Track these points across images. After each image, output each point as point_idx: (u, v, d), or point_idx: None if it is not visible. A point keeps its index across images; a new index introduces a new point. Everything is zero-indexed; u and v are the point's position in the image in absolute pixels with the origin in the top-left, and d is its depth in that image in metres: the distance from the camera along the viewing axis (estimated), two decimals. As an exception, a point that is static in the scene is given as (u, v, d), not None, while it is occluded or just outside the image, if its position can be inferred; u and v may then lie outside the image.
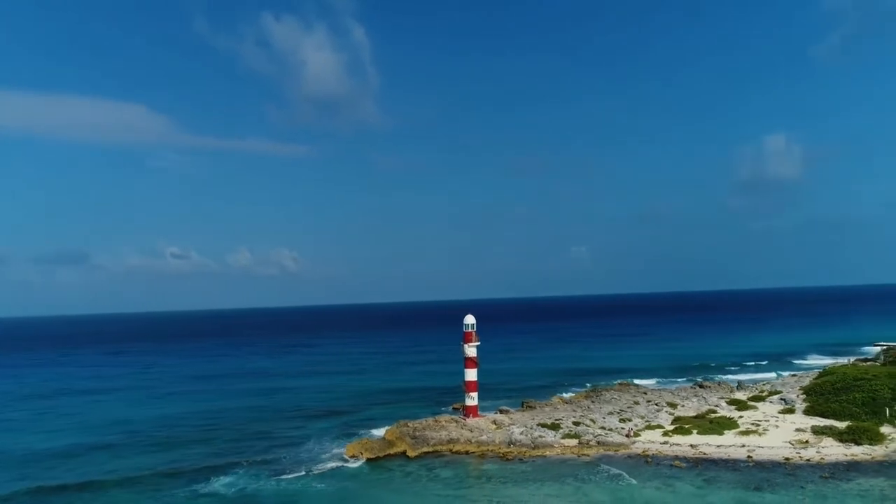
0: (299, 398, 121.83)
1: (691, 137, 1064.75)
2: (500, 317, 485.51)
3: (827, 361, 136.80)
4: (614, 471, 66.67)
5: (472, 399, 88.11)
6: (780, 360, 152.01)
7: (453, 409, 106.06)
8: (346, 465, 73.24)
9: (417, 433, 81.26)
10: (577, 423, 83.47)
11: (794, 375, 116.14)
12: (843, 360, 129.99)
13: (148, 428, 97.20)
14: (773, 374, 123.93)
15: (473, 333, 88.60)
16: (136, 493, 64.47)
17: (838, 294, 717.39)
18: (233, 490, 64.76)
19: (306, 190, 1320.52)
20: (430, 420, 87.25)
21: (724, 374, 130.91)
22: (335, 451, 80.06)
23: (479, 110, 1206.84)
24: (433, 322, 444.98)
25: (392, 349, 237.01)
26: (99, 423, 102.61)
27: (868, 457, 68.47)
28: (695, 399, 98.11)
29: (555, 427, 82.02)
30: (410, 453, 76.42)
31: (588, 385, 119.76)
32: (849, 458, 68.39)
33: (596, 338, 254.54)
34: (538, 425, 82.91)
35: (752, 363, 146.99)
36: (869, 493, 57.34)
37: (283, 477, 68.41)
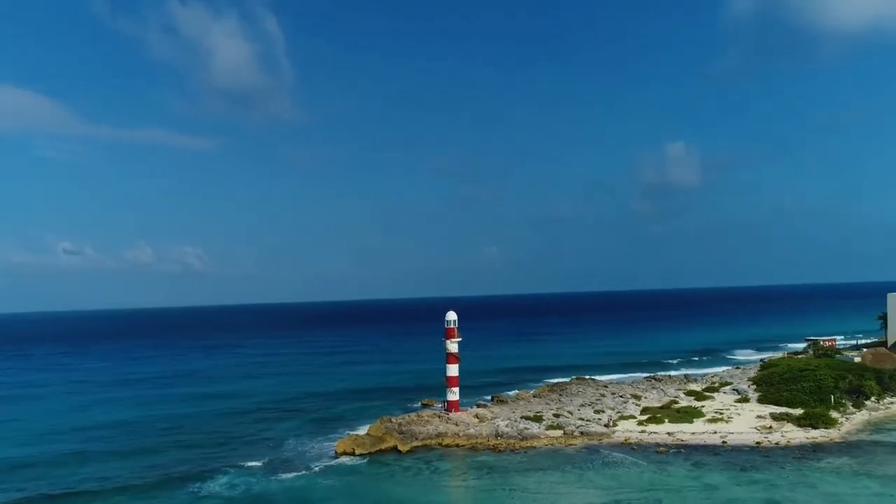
0: (256, 399, 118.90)
1: (598, 143, 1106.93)
2: (422, 316, 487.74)
3: (757, 356, 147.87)
4: (608, 458, 70.28)
5: (454, 394, 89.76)
6: (712, 354, 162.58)
7: (422, 405, 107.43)
8: (343, 461, 73.17)
9: (404, 428, 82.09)
10: (556, 415, 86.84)
11: (738, 368, 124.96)
12: (772, 354, 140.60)
13: (112, 435, 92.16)
14: (716, 369, 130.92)
15: (455, 330, 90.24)
16: (137, 500, 62.02)
17: (733, 294, 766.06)
18: (237, 491, 63.33)
19: (214, 185, 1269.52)
20: (414, 416, 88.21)
21: (667, 369, 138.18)
22: (321, 448, 79.70)
23: (398, 108, 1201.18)
24: (357, 322, 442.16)
25: (328, 348, 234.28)
26: (54, 431, 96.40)
27: (827, 439, 75.43)
28: (654, 391, 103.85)
29: (538, 419, 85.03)
30: (401, 448, 77.18)
31: (543, 382, 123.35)
32: (811, 440, 75.08)
33: (527, 336, 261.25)
34: (522, 418, 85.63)
35: (696, 358, 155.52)
36: (842, 470, 63.47)
37: (285, 476, 67.47)
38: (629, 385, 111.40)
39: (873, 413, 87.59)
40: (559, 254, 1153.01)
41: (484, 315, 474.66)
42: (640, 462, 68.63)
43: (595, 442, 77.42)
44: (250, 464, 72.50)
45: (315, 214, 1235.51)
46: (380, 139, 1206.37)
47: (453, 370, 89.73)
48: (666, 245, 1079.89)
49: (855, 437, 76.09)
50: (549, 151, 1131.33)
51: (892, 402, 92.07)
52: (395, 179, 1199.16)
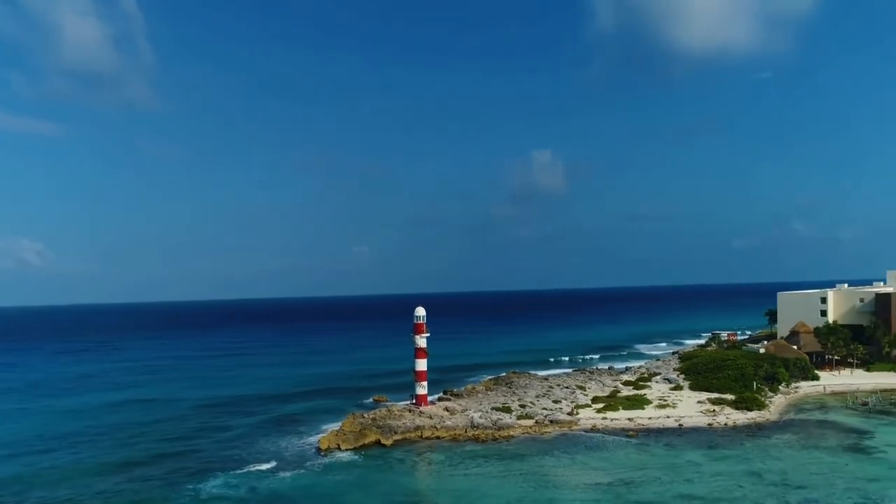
0: (187, 403, 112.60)
1: (466, 148, 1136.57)
2: (296, 317, 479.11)
3: (659, 350, 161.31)
4: (588, 443, 75.62)
5: (423, 388, 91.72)
6: (617, 349, 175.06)
7: (374, 401, 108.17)
8: (340, 456, 73.00)
9: (380, 423, 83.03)
10: (522, 406, 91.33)
11: (658, 360, 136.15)
12: (679, 347, 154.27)
13: (67, 444, 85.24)
14: (637, 363, 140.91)
15: (424, 325, 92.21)
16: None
17: (596, 295, 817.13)
18: (241, 490, 61.82)
19: (58, 174, 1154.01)
20: (385, 410, 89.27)
21: (588, 363, 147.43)
22: (299, 447, 78.91)
23: (266, 102, 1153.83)
24: (238, 321, 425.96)
25: (227, 349, 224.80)
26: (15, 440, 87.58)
27: (764, 419, 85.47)
28: (593, 383, 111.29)
29: (507, 410, 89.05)
30: (384, 442, 78.18)
31: (478, 377, 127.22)
32: (751, 421, 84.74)
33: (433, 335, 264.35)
34: (492, 409, 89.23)
35: (610, 354, 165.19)
36: (792, 444, 72.78)
37: (285, 474, 66.46)
38: (569, 377, 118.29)
39: (787, 396, 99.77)
40: (428, 254, 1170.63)
41: (366, 315, 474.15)
42: (619, 444, 74.55)
43: (566, 429, 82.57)
44: (239, 464, 70.55)
45: (172, 209, 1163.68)
46: (242, 131, 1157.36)
47: (422, 365, 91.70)
48: (532, 248, 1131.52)
49: (786, 417, 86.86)
50: (418, 153, 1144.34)
51: (798, 386, 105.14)
52: (255, 174, 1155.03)
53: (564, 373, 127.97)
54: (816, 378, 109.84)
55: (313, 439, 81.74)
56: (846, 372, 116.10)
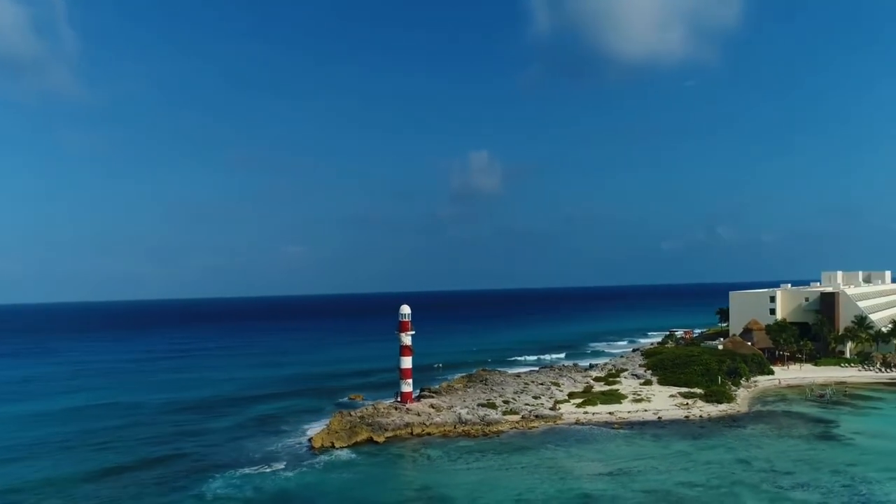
0: (157, 406, 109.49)
1: (409, 148, 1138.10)
2: (233, 317, 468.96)
3: (618, 349, 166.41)
4: (579, 435, 78.09)
5: (409, 385, 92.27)
6: (577, 347, 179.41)
7: (349, 399, 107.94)
8: (339, 454, 72.77)
9: (369, 420, 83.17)
10: (506, 402, 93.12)
11: (622, 357, 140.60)
12: (638, 345, 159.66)
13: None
14: (601, 360, 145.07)
15: (409, 323, 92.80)
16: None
17: (533, 295, 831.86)
18: (247, 491, 60.92)
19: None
20: (370, 408, 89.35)
21: (554, 361, 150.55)
22: (290, 446, 78.23)
23: (199, 95, 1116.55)
24: (167, 322, 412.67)
25: (173, 350, 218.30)
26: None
27: (736, 411, 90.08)
28: (565, 379, 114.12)
29: (492, 406, 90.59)
30: (377, 439, 78.43)
31: (446, 377, 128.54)
32: (724, 413, 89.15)
33: (369, 335, 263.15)
34: (478, 405, 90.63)
35: (574, 351, 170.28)
36: (768, 434, 77.24)
37: (289, 473, 65.74)
38: (539, 374, 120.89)
39: (749, 389, 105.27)
40: (372, 254, 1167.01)
41: (310, 316, 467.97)
42: (607, 437, 77.29)
43: (552, 424, 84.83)
44: (247, 467, 68.89)
45: (95, 204, 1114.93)
46: (172, 125, 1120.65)
47: (407, 362, 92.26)
48: (475, 248, 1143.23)
49: (754, 409, 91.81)
50: (360, 152, 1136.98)
51: (756, 381, 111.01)
52: (188, 170, 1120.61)
53: (533, 370, 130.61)
54: (771, 373, 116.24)
55: (302, 438, 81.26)
56: (795, 367, 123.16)
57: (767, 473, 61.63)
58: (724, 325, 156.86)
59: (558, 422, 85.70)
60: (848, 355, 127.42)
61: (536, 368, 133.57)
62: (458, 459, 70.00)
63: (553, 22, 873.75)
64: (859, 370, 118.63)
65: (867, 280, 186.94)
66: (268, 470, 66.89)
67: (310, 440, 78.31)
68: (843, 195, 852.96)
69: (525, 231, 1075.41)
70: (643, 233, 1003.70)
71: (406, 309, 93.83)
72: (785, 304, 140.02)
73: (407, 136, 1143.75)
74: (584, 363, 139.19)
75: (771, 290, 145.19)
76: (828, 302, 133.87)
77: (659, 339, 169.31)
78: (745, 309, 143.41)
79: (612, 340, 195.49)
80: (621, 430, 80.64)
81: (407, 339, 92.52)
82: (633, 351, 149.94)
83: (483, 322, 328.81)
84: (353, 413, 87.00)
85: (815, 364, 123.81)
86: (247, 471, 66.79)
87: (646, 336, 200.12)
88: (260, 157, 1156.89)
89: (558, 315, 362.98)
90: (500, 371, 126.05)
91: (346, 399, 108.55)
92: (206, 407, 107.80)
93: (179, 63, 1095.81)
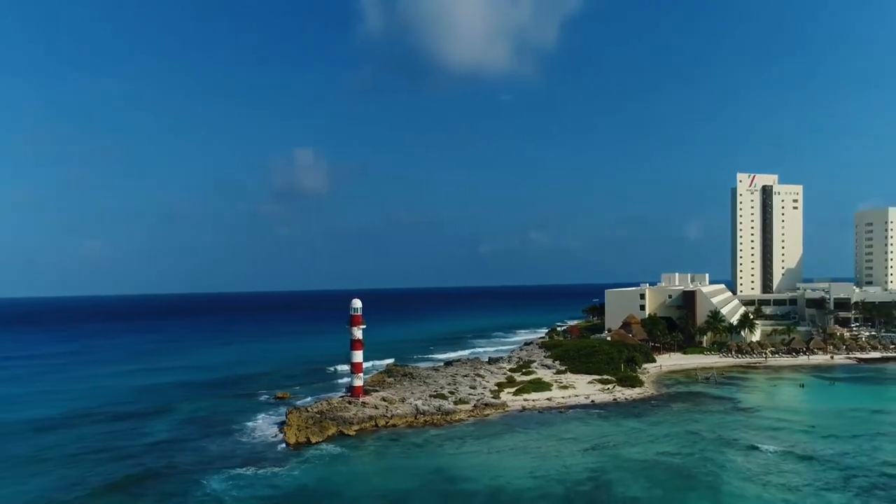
0: (70, 416, 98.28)
1: (229, 140, 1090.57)
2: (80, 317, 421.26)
3: (505, 345, 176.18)
4: (538, 419, 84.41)
5: (360, 380, 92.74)
6: (457, 342, 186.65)
7: (276, 398, 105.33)
8: (325, 448, 72.17)
9: (333, 415, 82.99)
10: (452, 392, 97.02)
11: (521, 350, 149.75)
12: (524, 339, 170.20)
13: None
14: (492, 355, 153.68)
15: (360, 317, 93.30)
16: None
17: (373, 297, 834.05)
18: (259, 490, 59.30)
19: None
20: (324, 403, 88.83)
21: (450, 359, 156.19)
22: (262, 443, 76.23)
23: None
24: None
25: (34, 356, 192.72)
26: None
27: (649, 393, 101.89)
28: (484, 371, 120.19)
29: (443, 396, 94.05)
30: (348, 432, 78.94)
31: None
32: (641, 395, 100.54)
33: (257, 336, 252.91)
34: (430, 396, 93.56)
35: (454, 348, 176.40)
36: (692, 410, 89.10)
37: (277, 469, 64.42)
38: (459, 367, 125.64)
39: (644, 375, 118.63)
40: (183, 251, 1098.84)
41: (121, 317, 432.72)
42: (563, 419, 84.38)
43: (503, 411, 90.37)
44: (229, 469, 66.17)
45: None
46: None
47: (358, 356, 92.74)
48: (299, 248, 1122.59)
49: (663, 391, 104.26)
50: (171, 140, 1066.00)
51: (646, 367, 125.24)
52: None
53: (435, 363, 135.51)
54: (654, 361, 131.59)
55: (265, 435, 79.36)
56: (666, 356, 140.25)
57: (721, 440, 72.17)
58: (594, 319, 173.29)
59: (507, 409, 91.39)
60: (705, 345, 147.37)
61: (441, 364, 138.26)
62: (442, 446, 72.94)
63: (385, 23, 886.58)
64: (720, 357, 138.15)
65: (692, 281, 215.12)
66: (263, 470, 64.68)
67: (283, 437, 76.56)
68: (639, 207, 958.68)
69: (353, 232, 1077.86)
70: (464, 235, 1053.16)
71: (357, 303, 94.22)
72: (652, 300, 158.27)
73: (223, 129, 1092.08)
74: (483, 358, 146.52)
75: (640, 287, 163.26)
76: (689, 298, 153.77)
77: (531, 335, 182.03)
78: (618, 305, 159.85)
79: (484, 338, 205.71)
80: (569, 413, 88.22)
81: (358, 333, 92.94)
82: (526, 344, 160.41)
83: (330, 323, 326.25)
84: (309, 409, 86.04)
85: (684, 353, 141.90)
86: (240, 471, 64.39)
87: (515, 333, 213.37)
88: (54, 143, 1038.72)
89: (410, 316, 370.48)
90: (411, 366, 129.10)
91: (271, 398, 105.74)
92: (130, 416, 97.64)
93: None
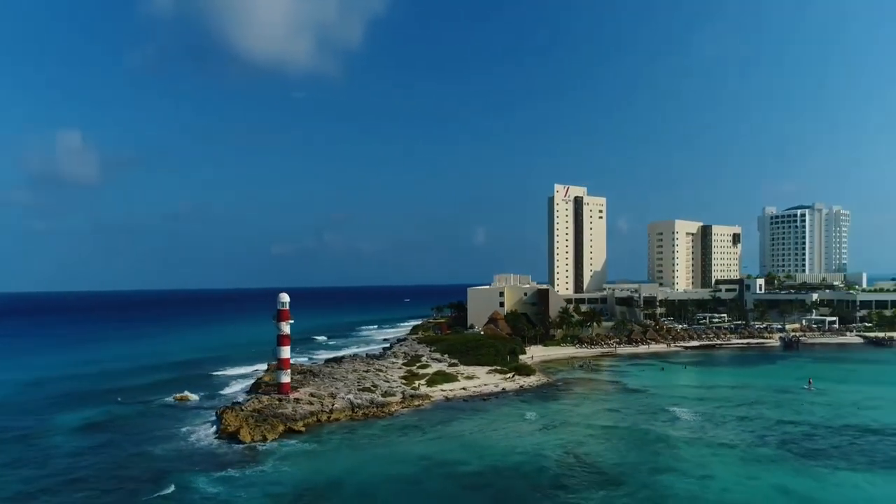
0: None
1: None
2: None
3: (357, 341, 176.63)
4: (477, 407, 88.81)
5: (287, 376, 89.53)
6: (306, 342, 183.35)
7: (175, 399, 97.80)
8: (288, 444, 69.63)
9: (271, 412, 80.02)
10: (375, 386, 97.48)
11: (399, 344, 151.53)
12: (388, 336, 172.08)
13: None
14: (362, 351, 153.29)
15: (288, 312, 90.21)
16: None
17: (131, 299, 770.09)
18: (246, 492, 56.51)
19: None
20: (256, 401, 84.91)
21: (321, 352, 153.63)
22: (210, 442, 71.50)
23: None
24: None
25: None
26: None
27: (546, 381, 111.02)
28: (379, 366, 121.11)
29: (370, 390, 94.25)
30: (298, 428, 76.85)
31: (229, 374, 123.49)
32: (539, 382, 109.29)
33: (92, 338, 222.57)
34: (359, 390, 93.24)
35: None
36: (597, 390, 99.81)
37: (251, 470, 61.36)
38: (356, 363, 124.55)
39: (529, 363, 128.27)
40: None
41: None
42: (493, 405, 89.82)
43: (430, 401, 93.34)
44: (192, 473, 61.54)
45: None
46: None
47: (285, 352, 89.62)
48: (56, 243, 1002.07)
49: (555, 378, 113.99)
50: None
51: (521, 359, 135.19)
52: None
53: (315, 361, 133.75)
54: (525, 353, 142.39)
55: (207, 435, 74.72)
56: (529, 348, 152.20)
57: (644, 411, 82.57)
58: (444, 317, 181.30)
59: (432, 399, 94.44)
60: (558, 338, 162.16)
61: (323, 360, 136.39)
62: (406, 436, 74.31)
63: (176, 2, 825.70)
64: (576, 348, 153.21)
65: (521, 282, 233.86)
66: (233, 471, 60.83)
67: (226, 436, 72.49)
68: (430, 210, 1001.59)
69: (127, 227, 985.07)
70: (254, 236, 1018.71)
71: (285, 297, 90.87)
72: (510, 298, 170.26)
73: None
74: (360, 353, 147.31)
75: (499, 286, 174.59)
76: (543, 295, 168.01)
77: (392, 331, 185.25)
78: (479, 303, 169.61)
79: (346, 333, 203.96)
80: (493, 400, 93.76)
81: (286, 328, 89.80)
82: (400, 340, 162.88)
83: (147, 325, 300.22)
84: (244, 407, 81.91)
85: (545, 346, 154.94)
86: (222, 474, 60.32)
87: (355, 330, 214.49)
88: None
89: (217, 318, 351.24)
90: (310, 365, 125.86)
91: (170, 398, 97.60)
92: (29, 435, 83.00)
93: None
